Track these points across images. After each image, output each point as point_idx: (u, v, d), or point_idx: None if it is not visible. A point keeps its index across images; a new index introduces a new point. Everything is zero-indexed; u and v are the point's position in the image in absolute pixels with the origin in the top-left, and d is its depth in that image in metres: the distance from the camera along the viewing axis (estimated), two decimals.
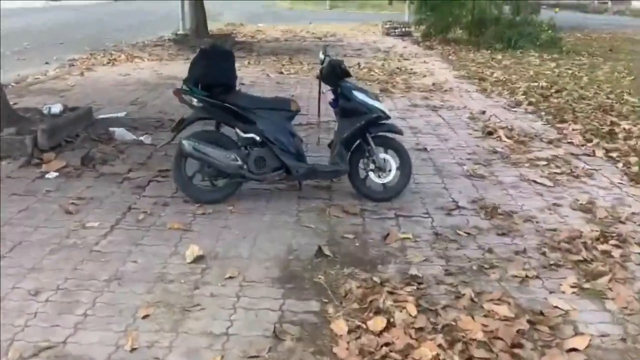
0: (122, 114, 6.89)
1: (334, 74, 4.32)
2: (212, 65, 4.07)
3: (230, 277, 3.27)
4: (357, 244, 3.76)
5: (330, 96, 4.53)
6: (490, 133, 6.45)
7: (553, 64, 12.07)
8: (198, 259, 3.46)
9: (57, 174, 4.81)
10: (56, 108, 6.08)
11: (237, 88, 4.31)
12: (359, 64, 11.64)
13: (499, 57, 13.13)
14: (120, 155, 5.33)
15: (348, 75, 4.40)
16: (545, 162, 5.46)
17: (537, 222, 4.14)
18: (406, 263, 3.51)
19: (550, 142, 6.19)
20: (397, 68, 11.21)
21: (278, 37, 16.68)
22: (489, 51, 14.06)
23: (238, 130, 4.23)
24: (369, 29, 19.64)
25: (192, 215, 4.11)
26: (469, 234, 3.93)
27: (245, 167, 4.20)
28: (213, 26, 16.51)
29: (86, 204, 4.27)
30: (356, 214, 4.22)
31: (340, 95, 4.36)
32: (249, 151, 4.23)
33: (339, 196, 4.54)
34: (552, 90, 9.02)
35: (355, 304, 3.02)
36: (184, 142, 4.12)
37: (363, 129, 4.34)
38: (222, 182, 4.33)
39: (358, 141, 4.40)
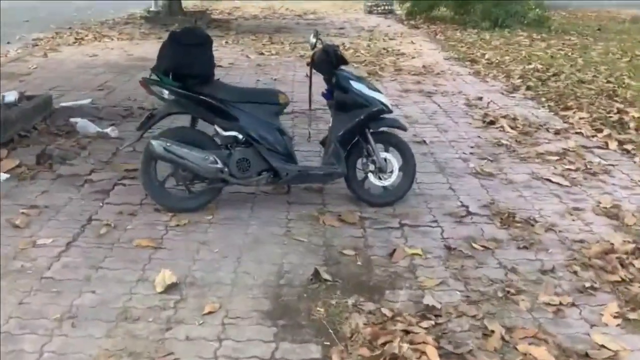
0: (86, 102, 6.22)
1: (328, 61, 3.72)
2: (186, 52, 3.44)
3: (210, 313, 2.71)
4: (358, 263, 3.21)
5: (320, 86, 3.93)
6: (492, 122, 5.93)
7: (544, 45, 11.58)
8: (170, 288, 2.88)
9: (7, 175, 4.17)
10: (11, 96, 5.40)
11: (216, 78, 3.68)
12: (343, 44, 10.99)
13: (487, 36, 12.58)
14: (82, 151, 4.69)
15: (344, 62, 3.81)
16: (556, 157, 4.96)
17: (560, 232, 3.64)
18: (419, 288, 2.98)
19: (557, 132, 5.68)
20: (384, 49, 10.60)
21: (256, 15, 15.90)
22: (476, 30, 13.50)
23: (217, 128, 3.63)
24: (351, 6, 18.89)
25: (164, 228, 3.51)
26: (486, 247, 3.41)
27: (226, 170, 3.62)
28: (187, 3, 15.66)
29: (39, 214, 3.65)
30: (355, 224, 3.67)
31: (335, 85, 3.78)
32: (230, 152, 3.64)
33: (334, 201, 3.98)
34: (549, 74, 8.51)
35: (364, 348, 2.47)
36: (153, 142, 3.51)
37: (362, 125, 3.77)
38: (200, 187, 3.74)
39: (356, 139, 3.82)
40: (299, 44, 10.92)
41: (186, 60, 3.44)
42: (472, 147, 5.20)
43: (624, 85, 7.82)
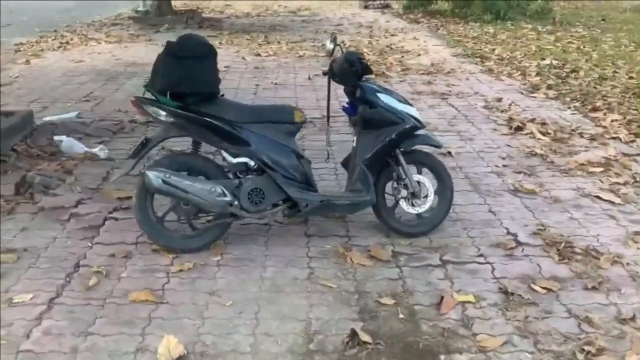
0: (72, 115, 5.64)
1: (351, 72, 3.17)
2: (185, 66, 2.88)
3: None
4: (401, 316, 2.67)
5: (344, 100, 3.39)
6: (519, 128, 5.40)
7: (552, 38, 11.09)
8: None
9: None
10: None
11: (221, 94, 3.12)
12: (343, 41, 10.42)
13: (491, 30, 12.09)
14: (67, 177, 4.11)
15: (369, 71, 3.26)
16: (600, 168, 4.44)
17: (628, 265, 3.12)
18: (480, 350, 2.44)
19: (592, 138, 5.17)
20: (387, 46, 10.06)
21: (249, 12, 15.29)
22: (478, 24, 13.00)
23: (225, 154, 3.08)
24: (344, 1, 18.33)
25: (164, 275, 2.96)
26: (548, 289, 2.88)
27: (236, 203, 3.07)
28: (177, 2, 15.04)
29: (16, 260, 3.09)
30: (388, 261, 3.13)
31: (359, 99, 3.23)
32: (240, 181, 3.09)
33: (360, 232, 3.44)
34: (567, 70, 8.02)
35: None
36: (149, 173, 2.95)
37: (393, 145, 3.22)
38: (205, 223, 3.18)
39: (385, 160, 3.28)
40: (297, 43, 10.37)
41: (186, 76, 2.87)
42: (503, 159, 4.67)
43: None
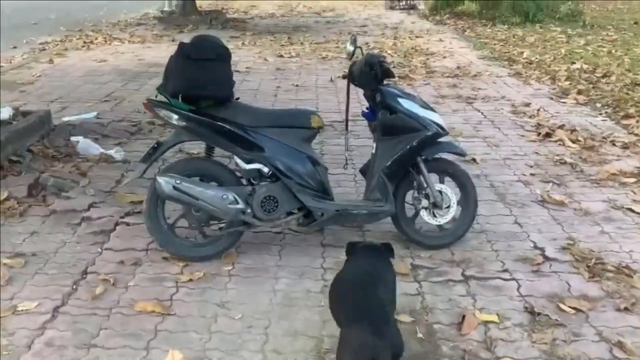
0: (91, 115, 5.59)
1: (371, 75, 3.03)
2: (198, 68, 2.77)
3: None
4: (419, 335, 2.52)
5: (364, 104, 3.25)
6: (548, 135, 5.20)
7: (582, 41, 10.78)
8: None
9: None
10: (5, 112, 4.78)
11: (236, 97, 3.01)
12: (367, 43, 10.28)
13: (520, 32, 11.80)
14: (81, 179, 4.04)
15: (390, 75, 3.11)
16: (633, 179, 4.23)
17: None
18: None
19: (625, 146, 4.94)
20: (412, 48, 9.87)
21: (273, 13, 15.24)
22: (506, 26, 12.73)
23: (238, 160, 2.96)
24: (370, 2, 18.16)
25: (173, 285, 2.85)
26: (577, 309, 2.70)
27: (248, 211, 2.95)
28: (202, 2, 15.04)
29: (24, 265, 3.01)
30: (406, 274, 2.98)
31: (380, 104, 3.09)
32: (253, 188, 2.97)
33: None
34: (598, 75, 7.74)
35: None
36: (160, 179, 2.85)
37: (414, 153, 3.07)
38: (217, 230, 3.07)
39: (405, 169, 3.14)
40: (320, 44, 10.25)
41: (199, 78, 2.77)
42: (531, 167, 4.48)
43: None
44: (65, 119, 5.37)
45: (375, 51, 9.56)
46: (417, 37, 11.26)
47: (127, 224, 3.43)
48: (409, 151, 3.03)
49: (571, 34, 11.59)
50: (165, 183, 2.83)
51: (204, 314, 2.64)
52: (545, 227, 3.51)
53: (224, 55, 2.85)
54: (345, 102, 3.34)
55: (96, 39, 10.40)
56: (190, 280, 2.88)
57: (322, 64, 8.57)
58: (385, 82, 3.13)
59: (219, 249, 3.05)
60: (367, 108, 3.25)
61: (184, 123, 2.87)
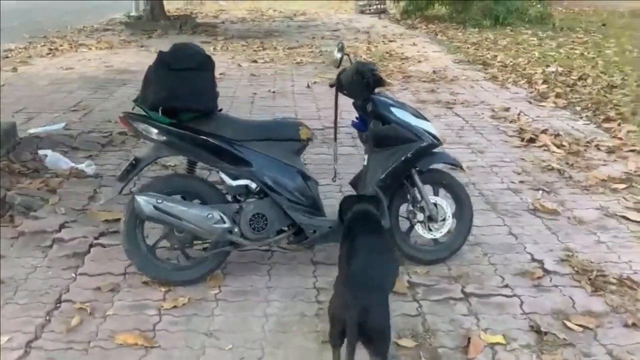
0: (58, 126, 5.32)
1: (363, 84, 2.87)
2: (180, 79, 2.57)
3: None
4: None
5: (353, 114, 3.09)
6: (531, 140, 5.12)
7: (554, 43, 10.88)
8: None
9: None
10: None
11: (219, 108, 2.82)
12: None
13: (491, 36, 11.86)
14: (51, 197, 3.79)
15: (381, 83, 2.96)
16: (622, 185, 4.17)
17: None
18: None
19: (610, 151, 4.89)
20: (386, 52, 9.79)
21: (244, 17, 15.04)
22: (477, 29, 12.80)
23: (224, 175, 2.77)
24: (340, 6, 18.11)
25: (156, 312, 2.65)
26: (584, 327, 2.59)
27: (236, 230, 2.76)
28: (170, 5, 14.72)
29: None
30: (404, 294, 2.83)
31: (371, 114, 2.93)
32: (240, 206, 2.78)
33: None
34: (574, 77, 7.76)
35: None
36: (139, 199, 2.64)
37: (409, 165, 2.93)
38: (201, 251, 2.87)
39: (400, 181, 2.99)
40: (294, 49, 10.09)
41: (181, 89, 2.57)
42: (518, 174, 4.39)
43: None
44: (32, 131, 5.09)
45: (350, 55, 9.43)
46: (390, 41, 11.19)
47: (103, 246, 3.20)
48: (404, 163, 2.89)
49: (542, 37, 11.68)
50: (144, 203, 2.62)
51: (191, 345, 2.44)
52: (540, 238, 3.40)
53: (207, 64, 2.66)
54: (334, 112, 3.17)
55: (61, 45, 10.05)
56: (174, 307, 2.67)
57: (298, 69, 8.40)
58: (376, 90, 2.98)
59: (204, 272, 2.85)
60: (356, 118, 3.09)
61: (164, 138, 2.67)
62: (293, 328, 2.56)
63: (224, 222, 2.71)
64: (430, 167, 3.05)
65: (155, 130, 2.66)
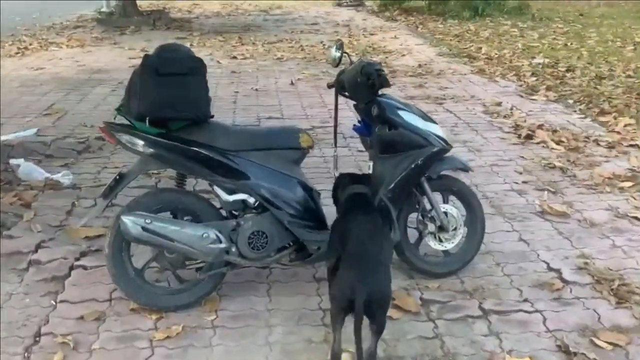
0: (30, 132, 4.99)
1: (367, 86, 2.63)
2: (170, 85, 2.31)
3: None
4: None
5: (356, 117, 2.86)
6: (529, 137, 4.95)
7: (535, 34, 10.80)
8: None
9: None
10: None
11: (211, 115, 2.55)
12: (322, 42, 9.96)
13: (472, 27, 11.73)
14: (26, 212, 3.49)
15: (386, 84, 2.71)
16: (629, 183, 4.01)
17: None
18: None
19: (610, 146, 4.75)
20: (369, 46, 9.58)
21: (219, 12, 14.67)
22: (457, 21, 12.67)
23: (218, 190, 2.52)
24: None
25: (147, 345, 2.39)
26: (614, 344, 2.40)
27: (233, 249, 2.51)
28: (142, 2, 14.28)
29: None
30: (418, 312, 2.61)
31: (376, 118, 2.69)
32: (238, 222, 2.53)
33: None
34: (562, 69, 7.64)
35: None
36: (126, 219, 2.37)
37: (419, 172, 2.70)
38: (195, 273, 2.62)
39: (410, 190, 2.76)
40: (273, 44, 9.81)
41: (170, 97, 2.31)
42: (520, 173, 4.21)
43: None
44: (2, 138, 4.75)
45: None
46: (370, 34, 10.98)
47: (84, 268, 2.92)
48: (414, 171, 2.66)
49: (522, 27, 11.60)
50: (132, 224, 2.35)
51: None
52: (553, 243, 3.22)
53: (198, 68, 2.40)
54: (334, 116, 2.93)
55: (31, 44, 9.62)
56: (168, 337, 2.42)
57: (279, 65, 8.14)
58: (380, 92, 2.74)
59: (199, 295, 2.60)
60: (358, 121, 2.85)
61: (151, 150, 2.40)
62: (300, 357, 2.32)
63: (221, 242, 2.46)
64: (440, 173, 2.83)
65: (141, 142, 2.40)
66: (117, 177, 2.47)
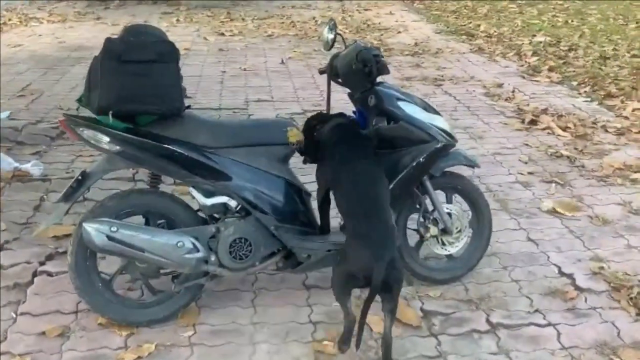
0: (3, 116, 4.65)
1: (364, 73, 2.33)
2: (136, 73, 2.01)
3: None
4: None
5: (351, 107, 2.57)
6: (533, 122, 4.67)
7: (534, 11, 10.45)
8: None
9: None
10: None
11: (187, 106, 2.25)
12: (314, 18, 9.57)
13: (469, 3, 11.34)
14: None
15: (384, 71, 2.41)
16: None
17: None
18: None
19: (619, 133, 4.48)
20: (363, 22, 9.21)
21: None
22: None
23: (196, 192, 2.23)
24: None
25: None
26: None
27: (213, 258, 2.23)
28: None
29: None
30: (420, 327, 2.35)
31: (373, 109, 2.40)
32: (218, 228, 2.25)
33: None
34: (564, 48, 7.33)
35: None
36: (89, 227, 2.09)
37: (422, 171, 2.42)
38: (169, 284, 2.34)
39: (411, 190, 2.49)
40: (263, 20, 9.43)
41: (137, 88, 2.00)
42: (525, 163, 3.94)
43: None
44: None
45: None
46: (365, 10, 10.58)
47: (49, 274, 2.64)
48: (416, 169, 2.38)
49: (521, 3, 11.24)
50: (95, 232, 2.07)
51: None
52: (563, 244, 2.97)
53: (169, 54, 2.08)
54: (326, 104, 2.63)
55: (10, 19, 9.17)
56: (139, 357, 2.15)
57: (269, 42, 7.78)
58: (378, 79, 2.44)
59: (174, 308, 2.32)
60: (353, 112, 2.56)
61: (118, 147, 2.10)
62: None
63: (198, 251, 2.18)
64: (444, 170, 2.55)
65: (106, 138, 2.10)
66: (80, 177, 2.17)
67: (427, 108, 2.50)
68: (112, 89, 1.99)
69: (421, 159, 2.37)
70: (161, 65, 2.04)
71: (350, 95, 2.53)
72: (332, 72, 2.54)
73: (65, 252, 2.74)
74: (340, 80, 2.52)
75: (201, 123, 2.25)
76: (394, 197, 2.36)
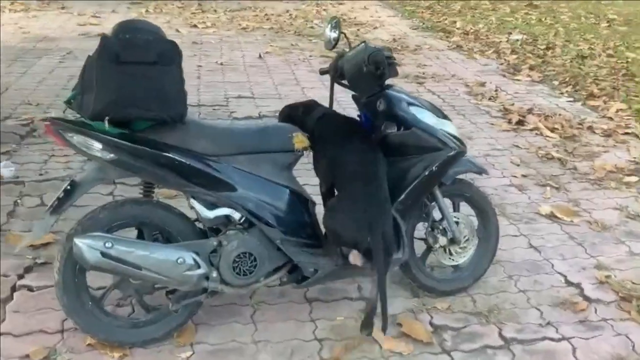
0: None
1: (374, 76, 2.20)
2: (135, 76, 1.82)
3: None
4: None
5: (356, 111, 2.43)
6: (520, 122, 4.62)
7: (507, 8, 10.48)
8: None
9: None
10: None
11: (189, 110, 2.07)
12: (288, 11, 9.39)
13: None
14: None
15: (393, 73, 2.28)
16: (634, 177, 3.74)
17: None
18: None
19: (606, 134, 4.47)
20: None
21: None
22: None
23: (197, 204, 2.06)
24: None
25: None
26: None
27: (214, 275, 2.07)
28: None
29: None
30: (430, 342, 2.24)
31: (382, 114, 2.27)
32: (220, 242, 2.08)
33: None
34: (541, 47, 7.34)
35: None
36: (80, 243, 1.90)
37: (434, 180, 2.31)
38: (166, 301, 2.17)
39: (422, 201, 2.37)
40: (236, 11, 9.20)
41: (136, 92, 1.82)
42: (517, 165, 3.89)
43: (629, 61, 6.75)
44: None
45: (299, 20, 8.65)
46: (340, 4, 10.45)
47: (30, 289, 2.43)
48: (429, 178, 2.26)
49: (493, 1, 11.25)
50: (87, 249, 1.88)
51: None
52: (566, 251, 2.90)
53: (172, 54, 1.91)
54: (329, 106, 2.49)
55: None
56: None
57: (245, 36, 7.57)
58: (386, 82, 2.31)
59: (170, 328, 2.15)
60: (358, 116, 2.43)
61: (111, 155, 1.92)
62: None
63: (199, 267, 2.02)
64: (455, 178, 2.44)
65: (98, 145, 1.91)
66: (69, 187, 1.98)
67: (437, 113, 2.39)
68: (109, 92, 1.80)
69: (434, 168, 2.25)
70: (163, 67, 1.86)
71: (355, 98, 2.39)
72: (337, 74, 2.39)
73: (45, 264, 2.55)
74: (345, 82, 2.38)
75: (201, 129, 2.08)
76: (405, 207, 2.25)
